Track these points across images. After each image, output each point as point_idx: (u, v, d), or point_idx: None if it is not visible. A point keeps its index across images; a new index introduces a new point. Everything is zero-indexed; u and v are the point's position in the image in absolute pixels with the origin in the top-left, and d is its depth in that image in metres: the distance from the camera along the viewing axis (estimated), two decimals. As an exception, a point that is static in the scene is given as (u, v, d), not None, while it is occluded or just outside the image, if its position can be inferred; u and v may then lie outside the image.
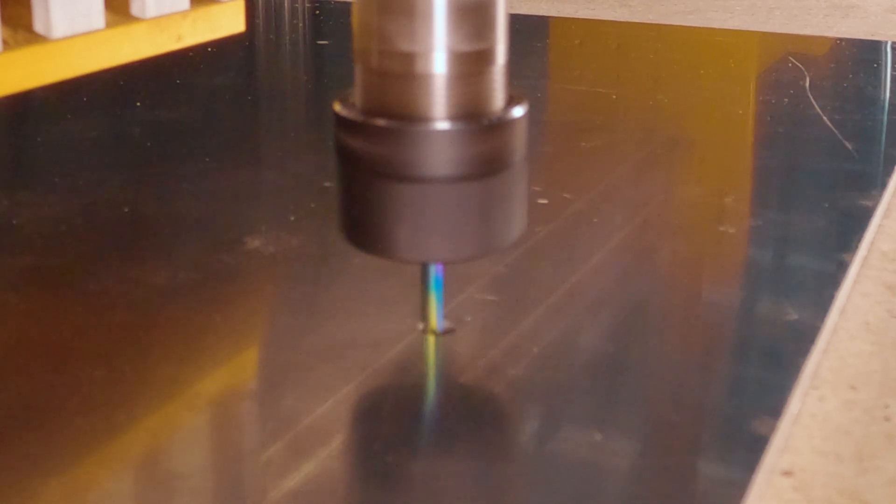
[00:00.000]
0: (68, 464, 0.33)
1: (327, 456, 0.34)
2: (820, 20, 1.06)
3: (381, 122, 0.35)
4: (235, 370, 0.39)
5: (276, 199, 0.56)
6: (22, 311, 0.43)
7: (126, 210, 0.54)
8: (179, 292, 0.45)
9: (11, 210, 0.53)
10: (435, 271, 0.39)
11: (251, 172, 0.60)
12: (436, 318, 0.41)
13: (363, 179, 0.36)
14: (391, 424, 0.36)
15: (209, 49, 0.89)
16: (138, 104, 0.72)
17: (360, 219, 0.37)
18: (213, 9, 0.52)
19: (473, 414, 0.37)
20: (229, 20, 0.53)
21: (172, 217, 0.53)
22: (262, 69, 0.89)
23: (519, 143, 0.37)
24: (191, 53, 0.87)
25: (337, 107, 0.37)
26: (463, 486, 0.33)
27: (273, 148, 0.67)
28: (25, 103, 0.72)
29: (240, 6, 0.54)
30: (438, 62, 0.35)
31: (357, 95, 0.37)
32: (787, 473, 0.34)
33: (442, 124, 0.35)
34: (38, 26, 0.45)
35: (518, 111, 0.37)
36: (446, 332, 0.41)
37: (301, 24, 1.02)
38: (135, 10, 0.49)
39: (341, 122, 0.37)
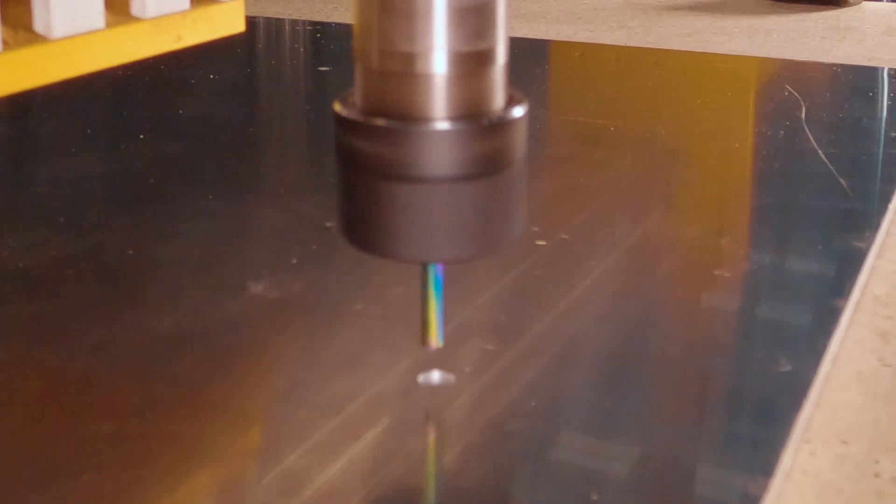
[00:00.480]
0: (77, 525, 0.34)
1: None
2: (817, 42, 1.07)
3: (380, 121, 0.35)
4: (239, 427, 0.40)
5: (277, 239, 0.57)
6: (29, 361, 0.44)
7: (131, 252, 0.55)
8: (184, 342, 0.45)
9: (17, 253, 0.54)
10: (435, 271, 0.39)
11: (252, 210, 0.61)
12: (436, 325, 0.40)
13: (363, 179, 0.36)
14: (391, 483, 0.37)
15: (212, 77, 0.90)
16: (141, 136, 0.73)
17: (359, 219, 0.37)
18: (213, 9, 0.52)
19: (474, 469, 0.37)
20: (229, 20, 0.53)
21: (176, 259, 0.54)
22: (265, 99, 0.90)
23: (519, 142, 0.37)
24: (193, 80, 0.88)
25: (337, 106, 0.37)
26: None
27: (274, 184, 0.68)
28: (30, 137, 0.73)
29: (240, 6, 0.54)
30: (438, 62, 0.35)
31: (357, 95, 0.37)
32: (779, 533, 0.35)
33: (442, 124, 0.35)
34: (38, 26, 0.45)
35: (518, 111, 0.37)
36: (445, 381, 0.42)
37: (302, 49, 1.03)
38: (135, 10, 0.49)
39: (341, 121, 0.36)
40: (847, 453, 0.40)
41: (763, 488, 0.36)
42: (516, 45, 0.99)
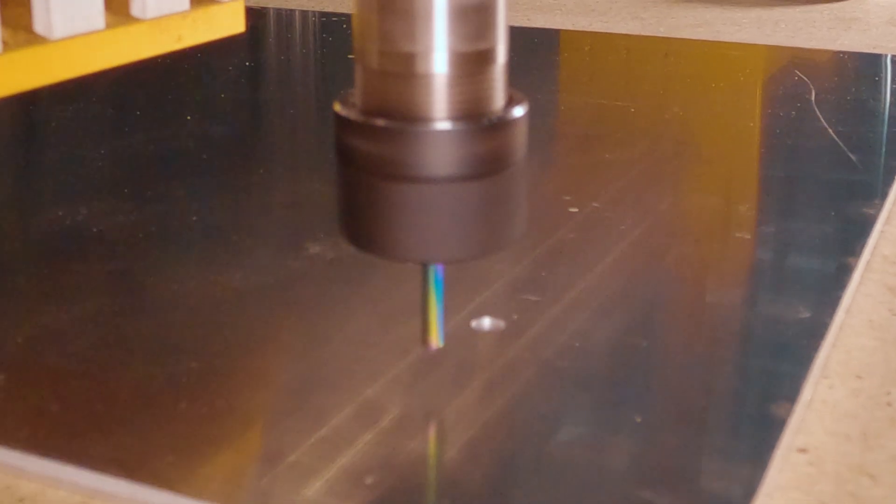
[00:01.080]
0: (181, 443, 0.38)
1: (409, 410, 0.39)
2: (824, 32, 1.11)
3: (380, 122, 0.35)
4: (314, 363, 0.44)
5: (328, 207, 0.61)
6: (116, 311, 0.49)
7: (194, 219, 0.59)
8: (255, 294, 0.50)
9: (90, 219, 0.58)
10: (435, 272, 0.39)
11: (302, 182, 0.66)
12: (436, 326, 0.40)
13: (363, 179, 0.36)
14: (461, 405, 0.41)
15: (248, 64, 0.94)
16: (189, 118, 0.78)
17: (360, 219, 0.37)
18: (213, 9, 0.52)
19: (530, 399, 0.42)
20: (229, 21, 0.54)
21: (237, 225, 0.58)
22: (301, 83, 0.94)
23: (519, 143, 0.37)
24: (230, 67, 0.92)
25: (337, 107, 0.37)
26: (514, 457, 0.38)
27: (319, 159, 0.72)
28: (83, 118, 0.78)
29: (240, 7, 0.54)
30: (439, 62, 0.35)
31: (357, 95, 0.37)
32: (803, 451, 0.40)
33: (442, 124, 0.35)
34: (39, 27, 0.45)
35: (518, 111, 0.37)
36: (494, 329, 0.46)
37: (331, 39, 1.07)
38: (135, 10, 0.49)
39: (341, 122, 0.37)
40: (862, 387, 0.44)
41: (788, 411, 0.40)
42: (534, 34, 1.03)
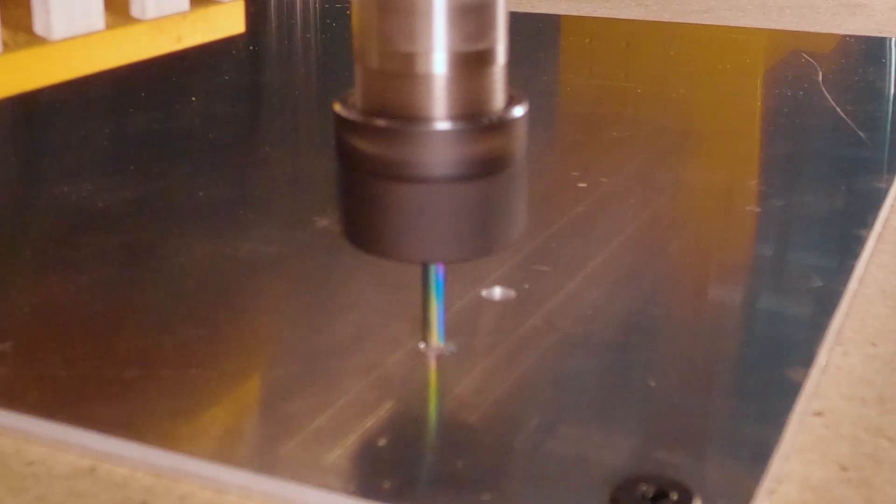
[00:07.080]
0: (190, 406, 0.38)
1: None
2: (829, 18, 1.11)
3: (381, 122, 0.36)
4: (322, 330, 0.44)
5: (335, 183, 0.61)
6: (124, 281, 0.48)
7: (201, 194, 0.58)
8: (264, 264, 0.49)
9: (96, 194, 0.58)
10: (435, 272, 0.39)
11: (308, 159, 0.65)
12: (437, 326, 0.40)
13: (363, 180, 0.36)
14: (476, 367, 0.41)
15: (251, 47, 0.94)
16: (193, 99, 0.77)
17: (360, 219, 0.37)
18: (213, 10, 0.52)
19: (541, 361, 0.41)
20: (229, 21, 0.53)
21: (245, 200, 0.58)
22: (305, 66, 0.94)
23: (519, 142, 0.37)
24: (234, 51, 0.92)
25: (337, 107, 0.37)
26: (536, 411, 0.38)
27: (325, 137, 0.71)
28: (85, 100, 0.77)
29: (239, 7, 0.54)
30: (439, 62, 0.35)
31: (357, 96, 0.37)
32: (818, 414, 0.39)
33: (442, 124, 0.35)
34: (39, 28, 0.45)
35: (518, 111, 0.37)
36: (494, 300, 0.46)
37: (334, 24, 1.07)
38: (135, 11, 0.49)
39: (341, 122, 0.37)
40: (877, 353, 0.44)
41: (803, 376, 0.40)
42: (538, 20, 1.02)
